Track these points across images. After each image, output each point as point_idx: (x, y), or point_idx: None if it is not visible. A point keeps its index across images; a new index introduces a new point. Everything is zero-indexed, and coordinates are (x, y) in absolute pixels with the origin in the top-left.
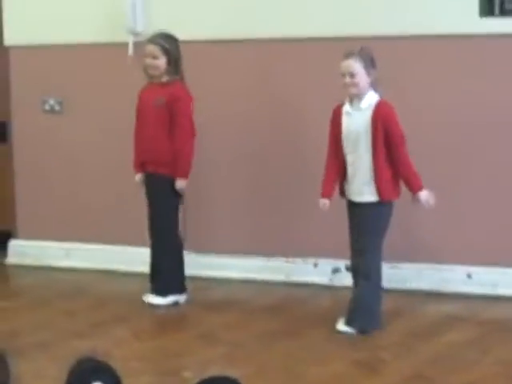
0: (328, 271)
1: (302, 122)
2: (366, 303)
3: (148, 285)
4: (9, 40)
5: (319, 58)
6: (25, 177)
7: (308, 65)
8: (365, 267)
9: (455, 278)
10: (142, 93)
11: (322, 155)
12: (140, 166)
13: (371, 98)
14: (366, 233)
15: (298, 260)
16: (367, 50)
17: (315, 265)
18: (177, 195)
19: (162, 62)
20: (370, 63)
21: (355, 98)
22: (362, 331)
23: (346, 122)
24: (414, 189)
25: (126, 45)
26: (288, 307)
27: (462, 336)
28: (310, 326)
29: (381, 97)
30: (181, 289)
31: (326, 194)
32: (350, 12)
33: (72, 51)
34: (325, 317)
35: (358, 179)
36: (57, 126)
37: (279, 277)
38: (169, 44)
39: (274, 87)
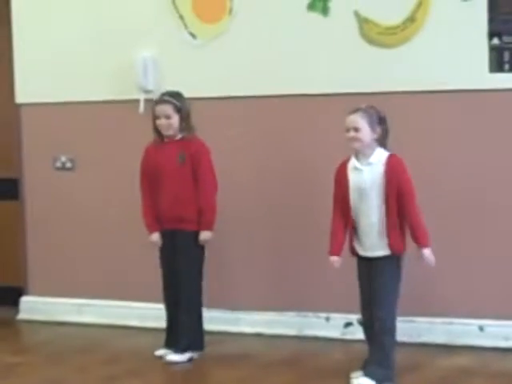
0: (340, 325)
1: (312, 178)
2: (385, 356)
3: (160, 340)
4: (20, 97)
5: (328, 113)
6: (36, 233)
7: (318, 120)
8: (382, 321)
9: (468, 330)
10: (154, 152)
11: (330, 211)
12: (156, 224)
13: (380, 154)
14: (381, 286)
15: (310, 314)
16: (374, 107)
17: (327, 319)
18: (202, 250)
19: (175, 120)
20: (375, 119)
21: (361, 153)
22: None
23: (355, 178)
24: (421, 244)
25: (137, 102)
26: (300, 361)
27: None
28: (323, 379)
29: (390, 152)
30: (201, 346)
31: (335, 252)
32: (359, 68)
33: (83, 109)
34: (337, 370)
35: (370, 234)
36: (68, 183)
37: (291, 331)
38: (180, 102)
39: (283, 144)
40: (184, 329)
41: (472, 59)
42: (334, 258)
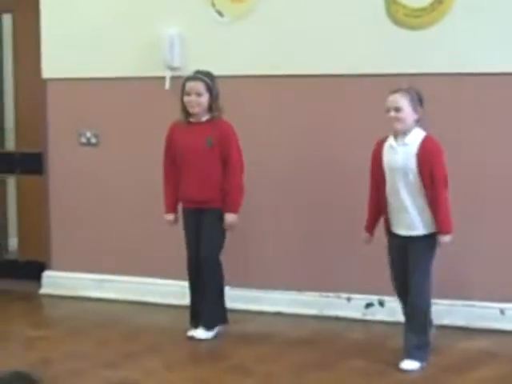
0: (361, 306)
1: (339, 160)
2: (423, 335)
3: (181, 317)
4: (47, 73)
5: (354, 94)
6: (60, 209)
7: (343, 100)
8: (419, 300)
9: (488, 314)
10: (180, 133)
11: (357, 192)
12: (175, 206)
13: (417, 134)
14: (418, 265)
15: (331, 294)
16: (415, 88)
17: (348, 299)
18: (224, 229)
19: (205, 99)
20: (416, 100)
21: (400, 133)
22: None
23: (390, 156)
24: (443, 230)
25: (162, 79)
26: (321, 340)
27: (494, 372)
28: (343, 359)
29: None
30: (225, 319)
31: (367, 228)
32: (385, 49)
33: (109, 85)
34: (358, 350)
35: (403, 213)
36: (93, 158)
37: (312, 311)
38: (211, 81)
39: (308, 124)
40: (210, 304)
41: (501, 42)
42: (364, 235)
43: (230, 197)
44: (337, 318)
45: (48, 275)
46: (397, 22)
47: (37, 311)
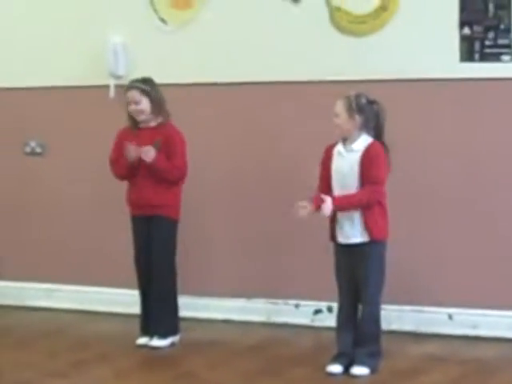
0: (309, 312)
1: (293, 164)
2: (376, 344)
3: (129, 326)
4: None
5: (296, 100)
6: (6, 218)
7: (285, 107)
8: (368, 311)
9: (437, 319)
10: (128, 139)
11: (303, 198)
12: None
13: (364, 141)
14: (365, 274)
15: (280, 301)
16: (360, 95)
17: (297, 306)
18: (175, 236)
19: (144, 105)
20: (354, 107)
21: (347, 139)
22: (374, 370)
23: (337, 163)
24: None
25: (107, 87)
26: (270, 347)
27: (443, 376)
28: (293, 365)
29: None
30: (178, 330)
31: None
32: (330, 56)
33: (53, 94)
34: (307, 357)
35: (348, 220)
36: (38, 168)
37: (261, 318)
38: (147, 86)
39: (253, 130)
40: (164, 313)
41: (443, 48)
42: (305, 204)
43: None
44: (285, 325)
45: None
46: (341, 28)
47: None
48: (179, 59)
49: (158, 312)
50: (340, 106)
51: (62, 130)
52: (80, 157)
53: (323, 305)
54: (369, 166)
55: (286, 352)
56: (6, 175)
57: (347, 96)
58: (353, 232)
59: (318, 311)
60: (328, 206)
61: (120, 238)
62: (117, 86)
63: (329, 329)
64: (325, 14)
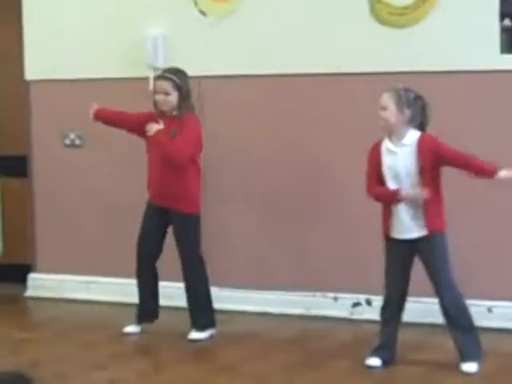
0: (348, 305)
1: (323, 158)
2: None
3: (168, 317)
4: (30, 74)
5: (336, 92)
6: (45, 210)
7: (326, 99)
8: (450, 295)
9: (477, 312)
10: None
11: (345, 192)
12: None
13: (413, 134)
14: (436, 264)
15: (318, 294)
16: (408, 89)
17: (335, 299)
18: (196, 229)
19: (173, 97)
20: (404, 101)
21: (393, 135)
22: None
23: (389, 159)
24: (491, 172)
25: (146, 80)
26: (308, 340)
27: (482, 369)
28: (331, 358)
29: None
30: (215, 322)
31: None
32: (369, 48)
33: (93, 86)
34: (345, 349)
35: (407, 215)
36: (77, 159)
37: (299, 310)
38: (180, 79)
39: (304, 123)
40: (203, 306)
41: (483, 40)
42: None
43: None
44: (324, 318)
45: (33, 277)
46: (381, 20)
47: (23, 314)
48: (218, 51)
49: (194, 305)
50: (388, 99)
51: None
52: (119, 149)
53: (362, 297)
54: (437, 149)
55: (324, 345)
56: (46, 167)
57: (395, 89)
58: (415, 226)
59: (356, 304)
60: (507, 173)
61: None
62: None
63: (367, 321)
64: (365, 6)
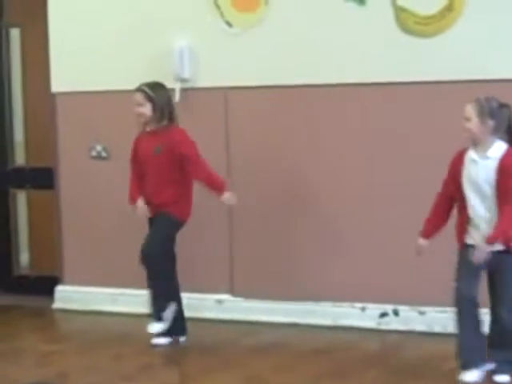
0: (376, 315)
1: (353, 168)
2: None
3: (195, 329)
4: (56, 87)
5: (363, 102)
6: (72, 223)
7: (352, 109)
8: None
9: None
10: (138, 142)
11: (371, 205)
12: (138, 194)
13: (500, 147)
14: (500, 283)
15: (346, 304)
16: (491, 99)
17: (363, 309)
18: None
19: (147, 109)
20: (486, 112)
21: (479, 145)
22: None
23: (470, 170)
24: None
25: (173, 91)
26: (336, 350)
27: None
28: (359, 369)
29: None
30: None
31: (427, 233)
32: (395, 58)
33: (119, 98)
34: (373, 360)
35: (485, 227)
36: (103, 172)
37: (326, 321)
38: (154, 91)
39: (322, 133)
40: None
41: (509, 49)
42: (423, 241)
43: (208, 185)
44: (351, 328)
45: (61, 290)
46: (406, 30)
47: (50, 326)
48: (244, 62)
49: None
50: (470, 110)
51: (128, 133)
52: None
53: (389, 308)
54: (508, 178)
55: (352, 355)
56: (72, 179)
57: (478, 100)
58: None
59: (383, 314)
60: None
61: (185, 242)
62: (182, 90)
63: (395, 332)
64: (390, 15)
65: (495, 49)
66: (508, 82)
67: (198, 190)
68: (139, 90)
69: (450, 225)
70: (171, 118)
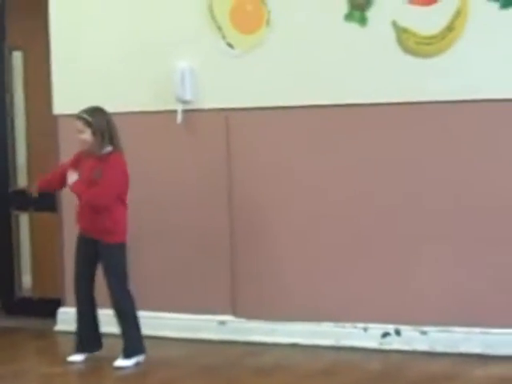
0: (378, 335)
1: (361, 190)
2: None
3: (194, 350)
4: (58, 109)
5: (365, 123)
6: (74, 245)
7: (355, 131)
8: None
9: (504, 340)
10: (79, 162)
11: (371, 222)
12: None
13: None
14: None
15: (348, 324)
16: None
17: (365, 329)
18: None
19: (87, 135)
20: None
21: None
22: None
23: None
24: None
25: (174, 113)
26: (339, 371)
27: None
28: None
29: None
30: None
31: None
32: (397, 78)
33: (120, 119)
34: (376, 380)
35: None
36: None
37: (329, 341)
38: (92, 117)
39: (325, 154)
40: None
41: (510, 69)
42: None
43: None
44: (353, 349)
45: (63, 312)
46: (408, 50)
47: (53, 348)
48: (246, 83)
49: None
50: None
51: (129, 155)
52: (146, 182)
53: (391, 328)
54: None
55: (354, 376)
56: (74, 201)
57: None
58: None
59: (386, 334)
60: None
61: (187, 263)
62: (184, 112)
63: (397, 352)
64: (391, 35)
65: (495, 69)
66: (506, 102)
67: (199, 210)
68: (78, 116)
69: (453, 245)
70: (113, 143)
